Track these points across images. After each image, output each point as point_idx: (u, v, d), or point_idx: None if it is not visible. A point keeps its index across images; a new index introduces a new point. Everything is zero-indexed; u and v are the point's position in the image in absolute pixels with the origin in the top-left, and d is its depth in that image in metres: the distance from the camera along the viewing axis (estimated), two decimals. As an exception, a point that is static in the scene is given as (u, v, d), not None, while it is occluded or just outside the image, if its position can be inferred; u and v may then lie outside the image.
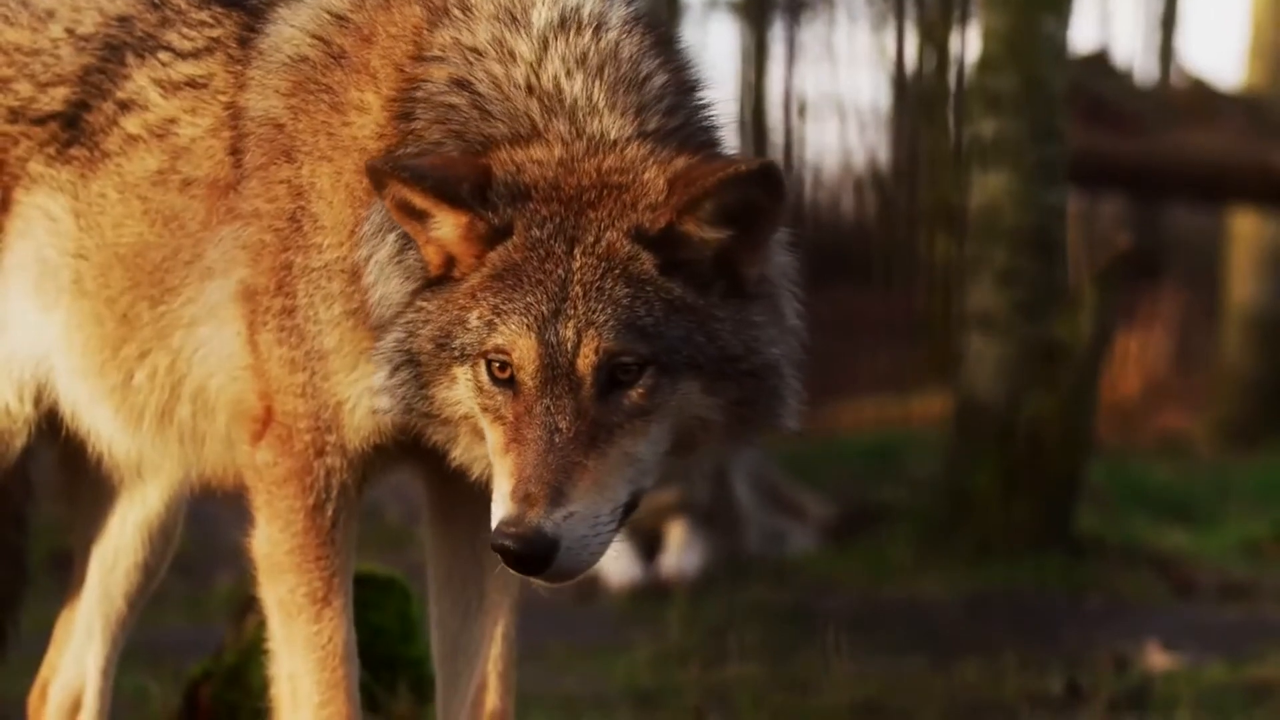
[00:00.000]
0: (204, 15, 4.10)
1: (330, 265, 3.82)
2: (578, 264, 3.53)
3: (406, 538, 8.32)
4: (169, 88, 4.06)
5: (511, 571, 3.51)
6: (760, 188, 3.53)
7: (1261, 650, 6.95)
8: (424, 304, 3.63)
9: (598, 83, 3.68)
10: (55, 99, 4.14)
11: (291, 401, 3.84)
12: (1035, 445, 8.72)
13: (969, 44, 14.92)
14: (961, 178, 10.37)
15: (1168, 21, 18.88)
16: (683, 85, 3.77)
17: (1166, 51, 18.75)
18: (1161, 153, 12.43)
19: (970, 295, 8.94)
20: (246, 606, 5.25)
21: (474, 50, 3.74)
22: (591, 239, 3.54)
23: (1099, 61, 12.82)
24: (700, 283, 3.56)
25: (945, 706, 6.27)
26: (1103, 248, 12.32)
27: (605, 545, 3.51)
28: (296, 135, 3.86)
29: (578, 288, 3.51)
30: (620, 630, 7.83)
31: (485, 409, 3.56)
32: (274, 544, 3.89)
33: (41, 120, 4.14)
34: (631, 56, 3.71)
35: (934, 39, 16.76)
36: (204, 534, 7.91)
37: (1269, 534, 9.86)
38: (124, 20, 4.15)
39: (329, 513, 3.88)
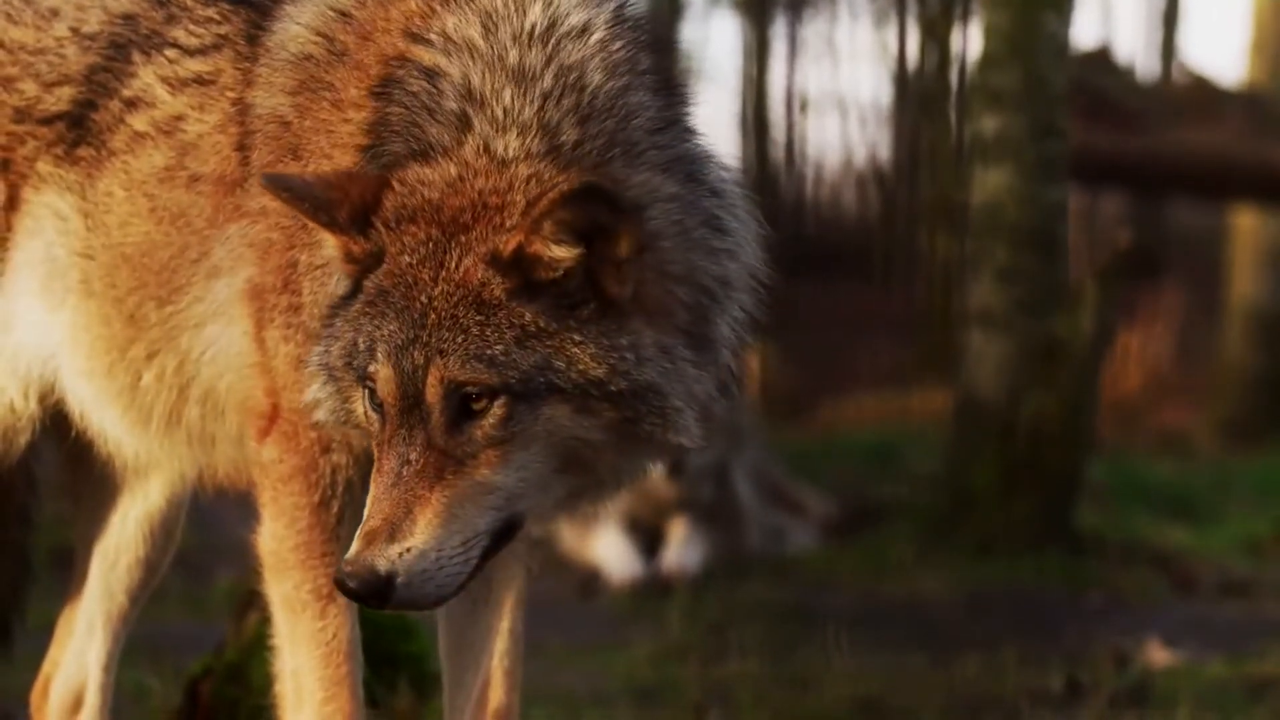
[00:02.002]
0: (211, 12, 4.09)
1: (333, 262, 3.81)
2: (438, 290, 3.48)
3: (408, 534, 8.29)
4: (176, 84, 4.05)
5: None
6: (595, 204, 3.43)
7: (1262, 647, 6.95)
8: (335, 320, 3.62)
9: (524, 97, 3.59)
10: (61, 99, 4.13)
11: (298, 398, 3.84)
12: (1036, 442, 8.72)
13: (970, 41, 14.96)
14: (963, 174, 10.38)
15: (1169, 18, 18.88)
16: (632, 88, 3.64)
17: (1168, 48, 18.74)
18: (1163, 150, 12.43)
19: (971, 292, 8.94)
20: (248, 603, 5.25)
21: (454, 41, 3.68)
22: (454, 264, 3.49)
23: (1100, 58, 12.81)
24: (565, 304, 3.48)
25: (945, 703, 6.27)
26: (1104, 245, 12.32)
27: (458, 575, 3.48)
28: (301, 133, 3.85)
29: (434, 316, 3.47)
30: (621, 627, 7.84)
31: (370, 433, 3.57)
32: (279, 540, 3.89)
33: (48, 120, 4.13)
34: (574, 65, 3.62)
35: (935, 36, 16.78)
36: (205, 530, 7.91)
37: (1270, 531, 9.86)
38: (129, 18, 4.14)
39: (334, 509, 3.88)
